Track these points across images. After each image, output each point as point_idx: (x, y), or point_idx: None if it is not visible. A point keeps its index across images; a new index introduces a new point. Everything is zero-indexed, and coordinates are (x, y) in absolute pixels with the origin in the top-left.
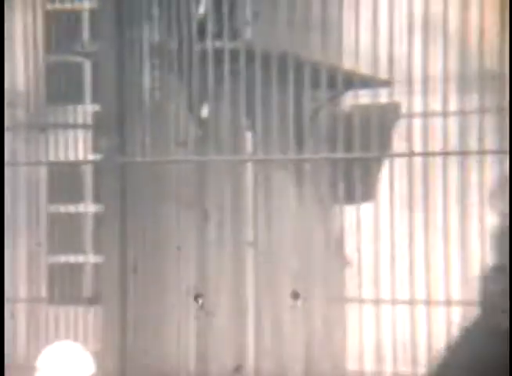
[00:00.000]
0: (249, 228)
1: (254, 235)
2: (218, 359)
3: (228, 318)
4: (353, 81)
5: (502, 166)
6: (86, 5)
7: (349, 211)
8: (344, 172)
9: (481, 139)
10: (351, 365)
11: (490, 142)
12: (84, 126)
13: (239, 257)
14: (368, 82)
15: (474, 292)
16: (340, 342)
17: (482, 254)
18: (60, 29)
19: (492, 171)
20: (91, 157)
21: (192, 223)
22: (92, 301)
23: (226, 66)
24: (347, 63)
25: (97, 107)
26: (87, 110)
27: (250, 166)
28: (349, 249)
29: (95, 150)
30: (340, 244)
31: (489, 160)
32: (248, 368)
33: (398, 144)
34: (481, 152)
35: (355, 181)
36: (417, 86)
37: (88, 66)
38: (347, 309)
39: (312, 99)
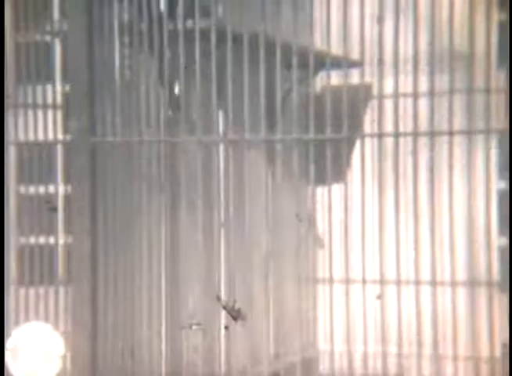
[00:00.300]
0: (221, 209)
1: (226, 216)
2: (189, 337)
3: (200, 299)
4: (324, 62)
5: (471, 146)
6: None
7: (320, 191)
8: (315, 153)
9: (450, 120)
10: (322, 345)
11: (459, 123)
12: (54, 106)
13: (211, 237)
14: (339, 63)
15: (444, 271)
16: (311, 322)
17: (452, 234)
18: (29, 8)
19: (461, 151)
20: (61, 137)
21: (164, 204)
22: (63, 281)
23: (197, 46)
24: (319, 44)
25: (67, 87)
26: (57, 89)
27: (221, 146)
28: (320, 229)
29: (66, 130)
30: (311, 224)
31: (458, 140)
32: (219, 348)
33: (369, 125)
34: (451, 132)
35: (327, 162)
36: (388, 67)
37: (57, 46)
38: (318, 288)
39: (284, 80)
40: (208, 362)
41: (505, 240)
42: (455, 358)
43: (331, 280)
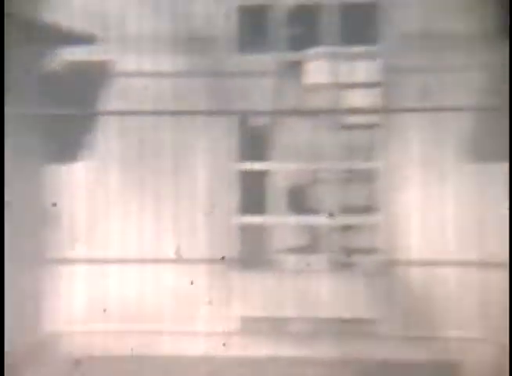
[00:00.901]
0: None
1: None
2: None
3: None
4: (66, 38)
5: (212, 127)
6: None
7: (62, 169)
8: (54, 130)
9: (192, 100)
10: (62, 325)
11: (201, 104)
12: None
13: None
14: (81, 39)
15: (187, 250)
16: (41, 304)
17: (193, 213)
18: None
19: (207, 133)
20: None
21: None
22: None
23: None
24: (61, 20)
25: None
26: None
27: None
28: (61, 208)
29: None
30: (52, 204)
31: (200, 119)
32: None
33: (111, 102)
34: (211, 113)
35: (67, 138)
36: (131, 45)
37: None
38: (60, 269)
39: (24, 55)
40: None
41: (245, 219)
42: (194, 334)
43: (73, 260)
